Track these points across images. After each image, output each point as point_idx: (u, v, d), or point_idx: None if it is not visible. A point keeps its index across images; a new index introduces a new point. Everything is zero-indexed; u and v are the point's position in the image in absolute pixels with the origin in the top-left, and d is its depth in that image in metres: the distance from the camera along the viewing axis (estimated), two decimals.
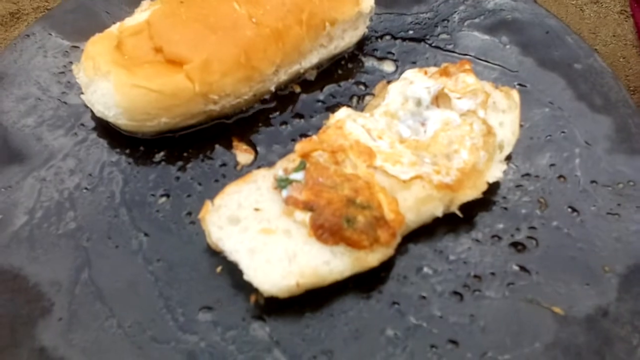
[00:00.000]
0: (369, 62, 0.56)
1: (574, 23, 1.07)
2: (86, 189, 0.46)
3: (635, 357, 0.35)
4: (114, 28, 0.50)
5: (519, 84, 0.53)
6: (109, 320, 0.39)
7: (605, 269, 0.40)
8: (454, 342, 0.37)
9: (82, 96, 0.49)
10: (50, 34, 0.54)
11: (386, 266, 0.41)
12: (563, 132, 0.49)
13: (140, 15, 0.51)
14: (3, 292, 0.39)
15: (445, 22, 0.56)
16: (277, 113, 0.52)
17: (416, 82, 0.48)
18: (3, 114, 0.50)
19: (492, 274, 0.41)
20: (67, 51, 0.54)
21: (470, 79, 0.48)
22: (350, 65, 0.56)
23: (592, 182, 0.45)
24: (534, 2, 0.58)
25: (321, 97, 0.53)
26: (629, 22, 1.07)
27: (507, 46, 0.55)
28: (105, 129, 0.49)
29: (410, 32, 0.57)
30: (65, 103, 0.50)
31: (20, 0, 1.00)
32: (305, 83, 0.55)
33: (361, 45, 0.56)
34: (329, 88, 0.54)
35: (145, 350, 0.37)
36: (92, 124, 0.50)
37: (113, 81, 0.46)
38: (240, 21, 0.49)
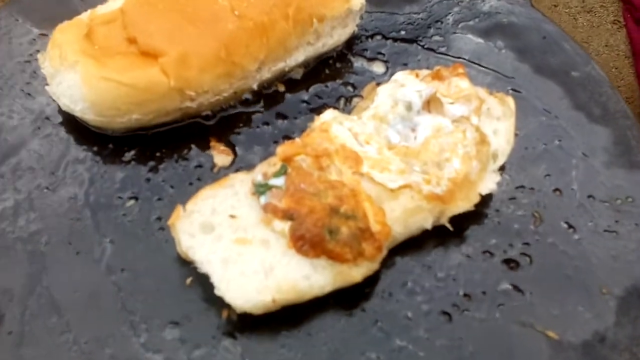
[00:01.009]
0: (358, 63, 0.56)
1: (567, 32, 1.11)
2: (47, 188, 0.45)
3: None
4: (85, 15, 0.49)
5: (514, 90, 0.52)
6: (65, 335, 0.38)
7: (602, 291, 0.40)
8: None
9: (47, 88, 0.47)
10: (17, 20, 0.52)
11: (370, 282, 0.40)
12: (559, 142, 0.48)
13: (114, 3, 0.50)
14: None
15: (439, 23, 0.56)
16: (259, 113, 0.52)
17: (407, 85, 0.48)
18: None
19: (483, 292, 0.41)
20: (34, 39, 0.54)
21: (463, 84, 0.48)
22: (338, 65, 0.56)
23: (589, 196, 0.45)
24: (531, 6, 0.58)
25: (306, 97, 0.53)
26: (622, 32, 1.08)
27: (503, 51, 0.55)
28: (72, 124, 0.48)
29: (402, 32, 0.57)
30: (29, 94, 0.49)
31: None
32: (290, 82, 0.54)
33: (350, 44, 0.56)
34: (315, 88, 0.54)
35: None
36: (57, 118, 0.48)
37: (81, 72, 0.44)
38: (222, 13, 0.48)
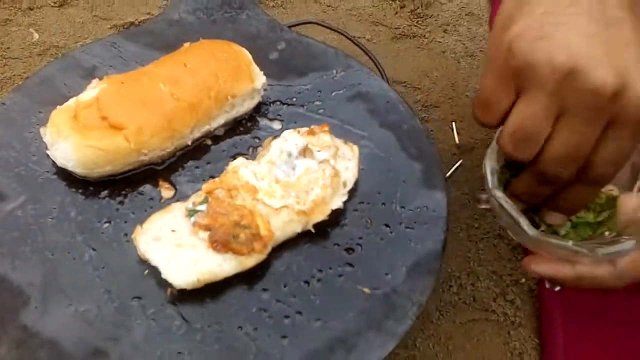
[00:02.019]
0: (263, 122, 0.67)
1: (452, 72, 1.23)
2: (51, 218, 0.57)
3: (407, 317, 0.52)
4: (72, 102, 0.60)
5: (365, 140, 0.66)
6: (68, 307, 0.51)
7: (399, 264, 0.56)
8: (299, 312, 0.52)
9: (47, 151, 0.59)
10: (23, 101, 0.65)
11: (261, 266, 0.54)
12: (389, 172, 0.63)
13: (90, 92, 0.61)
14: None
15: (320, 92, 0.70)
16: (193, 160, 0.63)
17: (289, 140, 0.61)
18: None
19: (330, 268, 0.55)
20: (35, 115, 0.64)
21: (326, 137, 0.62)
22: (249, 124, 0.67)
23: (402, 207, 0.60)
24: (382, 79, 0.75)
25: (226, 148, 0.65)
26: None
27: (360, 111, 0.69)
28: (64, 174, 0.59)
29: (294, 99, 0.69)
30: (34, 155, 0.62)
31: None
32: (215, 137, 0.65)
33: (257, 109, 0.68)
34: (232, 141, 0.65)
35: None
36: (53, 170, 0.60)
37: (71, 142, 0.56)
38: (165, 97, 0.60)
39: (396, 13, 1.32)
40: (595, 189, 0.44)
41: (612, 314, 0.87)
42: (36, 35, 1.14)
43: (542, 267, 0.51)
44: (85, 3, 1.24)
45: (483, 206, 0.56)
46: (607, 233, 0.51)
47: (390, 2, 1.34)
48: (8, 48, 1.13)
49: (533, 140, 0.39)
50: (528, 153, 0.40)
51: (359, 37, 1.23)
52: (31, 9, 1.21)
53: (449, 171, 1.04)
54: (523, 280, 0.95)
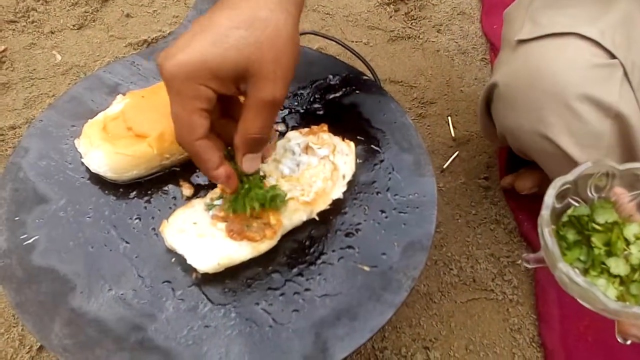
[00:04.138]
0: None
1: (446, 70, 1.31)
2: (88, 217, 0.63)
3: (402, 289, 0.58)
4: (100, 115, 0.66)
5: (360, 136, 0.71)
6: (109, 291, 0.57)
7: (395, 244, 0.62)
8: (307, 289, 0.59)
9: (82, 160, 0.65)
10: (56, 117, 0.73)
11: (272, 250, 0.60)
12: (381, 163, 0.69)
13: (116, 106, 0.67)
14: (45, 279, 0.58)
15: (318, 96, 0.77)
16: None
17: (292, 139, 0.67)
18: (29, 173, 0.67)
19: (333, 250, 0.61)
20: (68, 129, 0.70)
21: (326, 136, 0.67)
22: None
23: (395, 195, 0.66)
24: (375, 80, 0.81)
25: None
26: (488, 68, 1.32)
27: (356, 111, 0.75)
28: (97, 179, 0.66)
29: (296, 103, 0.75)
30: (70, 164, 0.68)
31: (9, 73, 1.22)
32: None
33: None
34: None
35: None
36: (87, 175, 0.66)
37: (103, 151, 0.62)
38: None
39: (391, 17, 1.39)
40: (187, 153, 0.53)
41: None
42: (59, 57, 1.24)
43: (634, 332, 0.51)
44: (101, 24, 1.33)
45: (531, 266, 0.59)
46: None
47: (385, 6, 1.42)
48: (34, 69, 1.23)
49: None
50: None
51: (356, 42, 1.31)
52: (53, 33, 1.31)
53: (446, 163, 1.11)
54: (519, 261, 1.01)
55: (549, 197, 0.53)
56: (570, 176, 0.53)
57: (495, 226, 1.06)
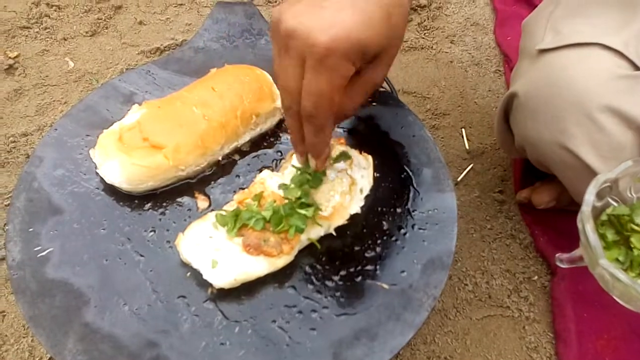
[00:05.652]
0: (284, 137, 0.72)
1: (460, 81, 1.29)
2: (103, 229, 0.62)
3: (423, 309, 0.57)
4: (116, 126, 0.66)
5: (378, 149, 0.69)
6: (123, 306, 0.56)
7: (414, 261, 0.60)
8: (325, 307, 0.58)
9: (97, 170, 0.65)
10: (72, 126, 0.72)
11: (289, 266, 0.59)
12: (402, 177, 0.68)
13: (132, 116, 0.67)
14: (58, 293, 0.57)
15: None
16: (224, 174, 0.68)
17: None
18: (44, 183, 0.66)
19: (351, 267, 0.60)
20: (83, 138, 0.70)
21: (343, 148, 0.66)
22: (272, 139, 0.72)
23: (414, 210, 0.65)
24: (392, 93, 0.81)
25: (252, 162, 0.70)
26: (502, 79, 1.29)
27: (374, 124, 0.74)
28: (111, 190, 0.65)
29: None
30: (84, 174, 0.68)
31: (22, 80, 1.22)
32: (242, 152, 0.71)
33: (279, 125, 0.73)
34: (258, 155, 0.71)
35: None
36: (102, 186, 0.66)
37: (118, 162, 0.62)
38: (197, 119, 0.66)
39: None
40: (311, 126, 0.50)
41: (623, 307, 0.91)
42: (71, 63, 1.24)
43: None
44: (114, 32, 1.33)
45: (565, 266, 0.58)
46: None
47: None
48: (47, 76, 1.22)
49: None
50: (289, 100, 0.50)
51: None
52: (65, 39, 1.30)
53: (460, 175, 1.10)
54: (536, 277, 0.99)
55: (590, 194, 0.52)
56: (612, 174, 0.53)
57: (511, 241, 1.04)
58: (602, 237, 0.54)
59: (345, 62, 0.46)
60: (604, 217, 0.56)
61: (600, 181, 0.52)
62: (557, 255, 0.62)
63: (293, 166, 0.63)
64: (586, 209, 0.51)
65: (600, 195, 0.53)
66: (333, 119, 0.53)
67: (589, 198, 0.51)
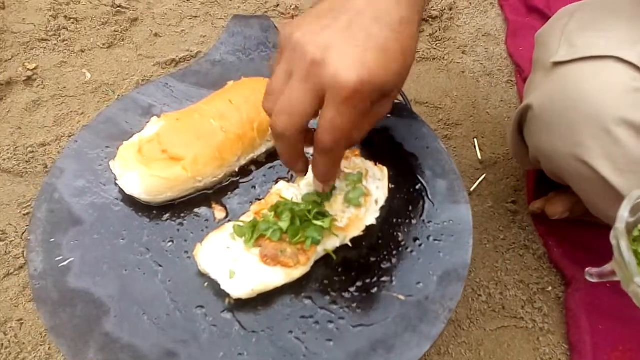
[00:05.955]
0: None
1: (472, 91, 1.29)
2: (122, 239, 0.63)
3: (439, 321, 0.57)
4: (135, 138, 0.67)
5: (393, 161, 0.69)
6: (142, 316, 0.57)
7: (430, 273, 0.60)
8: (342, 318, 0.58)
9: (117, 181, 0.65)
10: (91, 138, 0.74)
11: (305, 277, 0.59)
12: (416, 188, 0.68)
13: (151, 129, 0.68)
14: (79, 303, 0.58)
15: None
16: (241, 185, 0.69)
17: None
18: (65, 194, 0.67)
19: (367, 278, 0.60)
20: (102, 150, 0.71)
21: (358, 160, 0.67)
22: None
23: (429, 221, 0.65)
24: (406, 104, 0.81)
25: (268, 173, 0.70)
26: (514, 90, 1.29)
27: (388, 136, 0.74)
28: (130, 201, 0.66)
29: None
30: (104, 185, 0.69)
31: (40, 91, 1.25)
32: (258, 163, 0.71)
33: None
34: (273, 166, 0.71)
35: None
36: (121, 197, 0.67)
37: (138, 173, 0.63)
38: (215, 131, 0.67)
39: None
40: (323, 157, 0.51)
41: (639, 318, 0.90)
42: (88, 75, 1.26)
43: None
44: (130, 43, 1.36)
45: (595, 280, 0.58)
46: None
47: None
48: (64, 87, 1.25)
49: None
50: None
51: None
52: (83, 51, 1.33)
53: (473, 186, 1.10)
54: (550, 288, 0.99)
55: (624, 210, 0.52)
56: None
57: (524, 252, 1.03)
58: (635, 253, 0.54)
59: (366, 102, 0.48)
60: (636, 233, 0.55)
61: (634, 197, 0.51)
62: (587, 269, 0.61)
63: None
64: (620, 225, 0.50)
65: (633, 210, 0.52)
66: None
67: (623, 214, 0.51)
